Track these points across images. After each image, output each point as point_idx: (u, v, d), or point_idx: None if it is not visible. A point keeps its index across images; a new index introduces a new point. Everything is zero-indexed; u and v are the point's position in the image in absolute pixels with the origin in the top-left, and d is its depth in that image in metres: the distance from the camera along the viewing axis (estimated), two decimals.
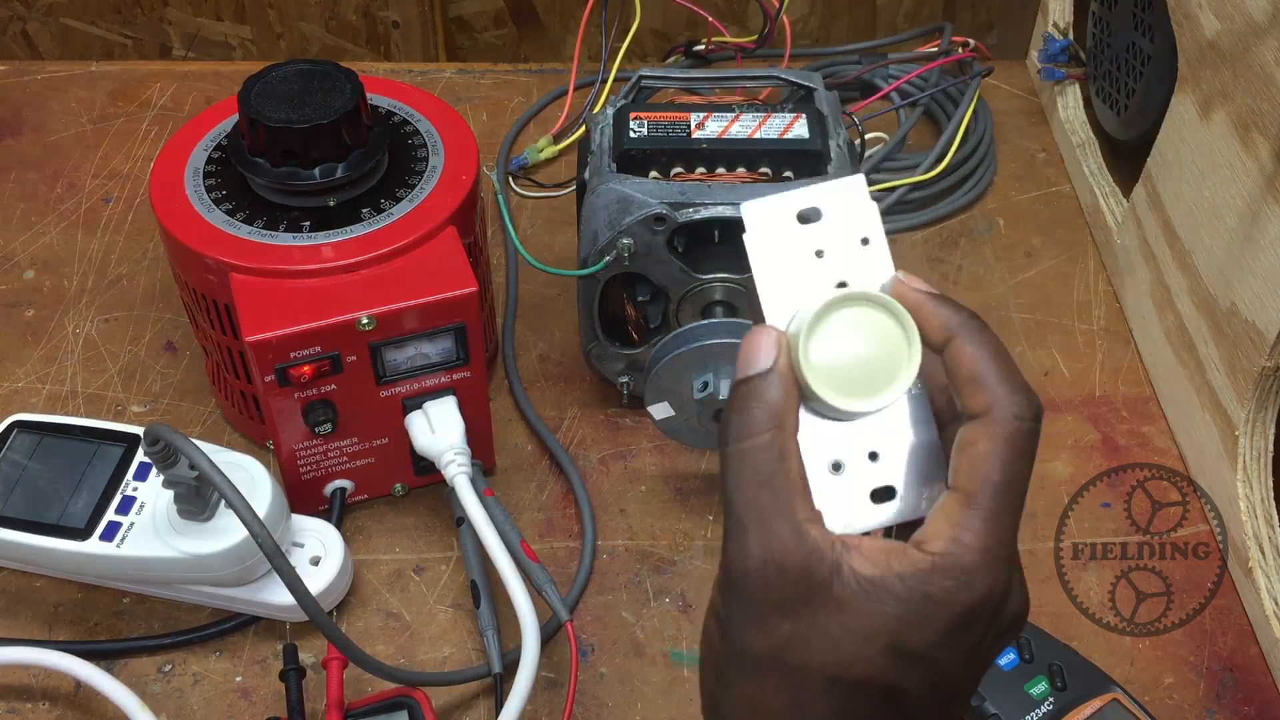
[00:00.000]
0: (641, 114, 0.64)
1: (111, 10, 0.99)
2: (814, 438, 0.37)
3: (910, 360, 0.36)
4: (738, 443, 0.35)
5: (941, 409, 0.38)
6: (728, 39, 0.89)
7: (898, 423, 0.37)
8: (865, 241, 0.37)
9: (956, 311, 0.36)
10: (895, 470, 0.37)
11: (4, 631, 0.60)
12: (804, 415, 0.37)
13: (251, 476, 0.57)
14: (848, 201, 0.37)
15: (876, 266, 0.38)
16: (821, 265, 0.37)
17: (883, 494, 0.37)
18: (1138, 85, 0.76)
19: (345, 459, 0.62)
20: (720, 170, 0.62)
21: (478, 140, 0.66)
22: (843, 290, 0.36)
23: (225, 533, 0.56)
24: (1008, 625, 0.36)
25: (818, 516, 0.35)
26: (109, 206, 0.82)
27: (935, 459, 0.37)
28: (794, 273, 0.37)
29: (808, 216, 0.37)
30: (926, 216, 0.82)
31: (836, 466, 0.37)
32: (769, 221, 0.37)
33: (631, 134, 0.63)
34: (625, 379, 0.68)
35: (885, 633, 0.34)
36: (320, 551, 0.60)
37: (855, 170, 0.63)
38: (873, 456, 0.37)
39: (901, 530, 0.37)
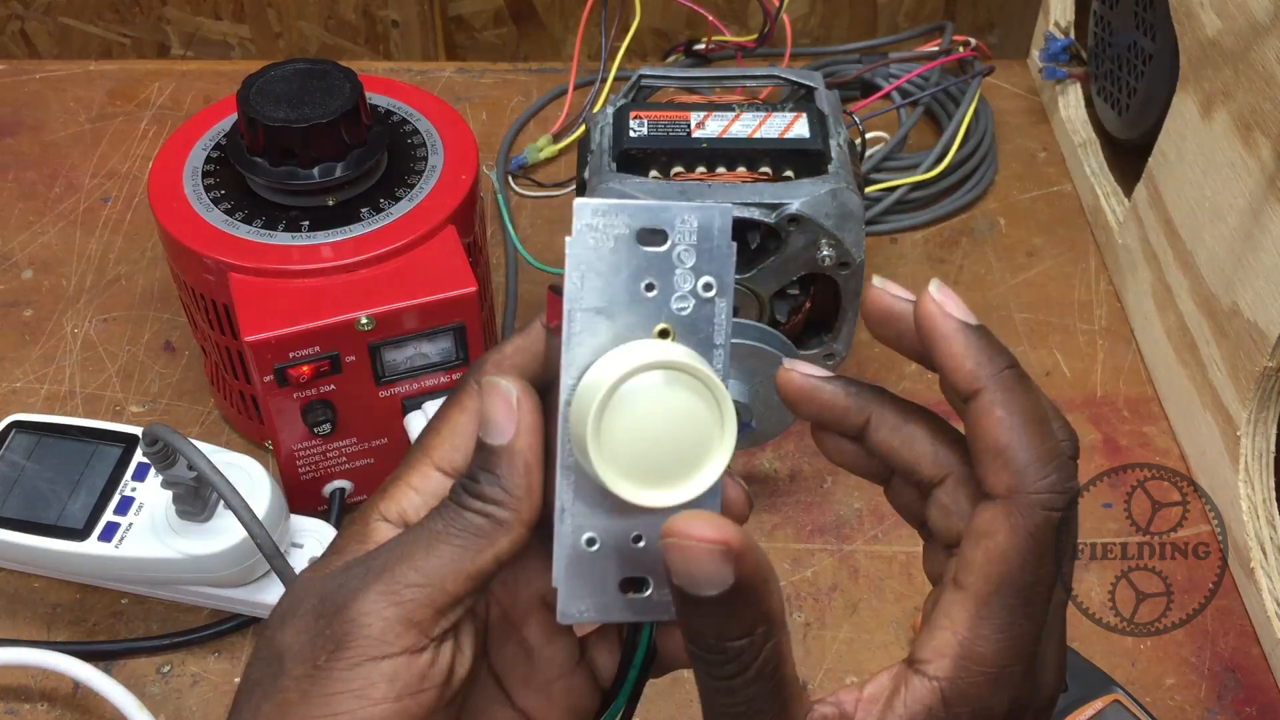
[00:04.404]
0: (641, 113, 0.64)
1: (110, 9, 0.99)
2: (578, 506, 0.31)
3: (721, 448, 0.30)
4: (714, 664, 0.29)
5: (924, 463, 0.33)
6: (728, 38, 0.89)
7: (676, 508, 0.31)
8: (708, 288, 0.31)
9: (992, 356, 0.30)
10: (655, 562, 0.32)
11: (2, 632, 0.60)
12: (568, 477, 0.31)
13: (250, 477, 0.57)
14: (703, 234, 0.31)
15: (713, 322, 0.31)
16: (647, 303, 0.31)
17: (633, 584, 0.33)
18: (1139, 84, 0.76)
19: (344, 459, 0.62)
20: (720, 170, 0.62)
21: (477, 140, 0.66)
22: (655, 349, 0.30)
23: (224, 533, 0.56)
24: (1043, 708, 0.32)
25: (807, 708, 0.30)
26: (107, 206, 0.82)
27: None
28: (613, 302, 0.31)
29: (649, 239, 0.31)
30: (927, 216, 0.82)
31: (591, 542, 0.32)
32: (601, 229, 0.30)
33: (631, 133, 0.62)
34: None
35: None
36: (319, 552, 0.60)
37: (854, 170, 0.63)
38: (635, 539, 0.32)
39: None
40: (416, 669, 0.30)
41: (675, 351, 0.30)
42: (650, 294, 0.31)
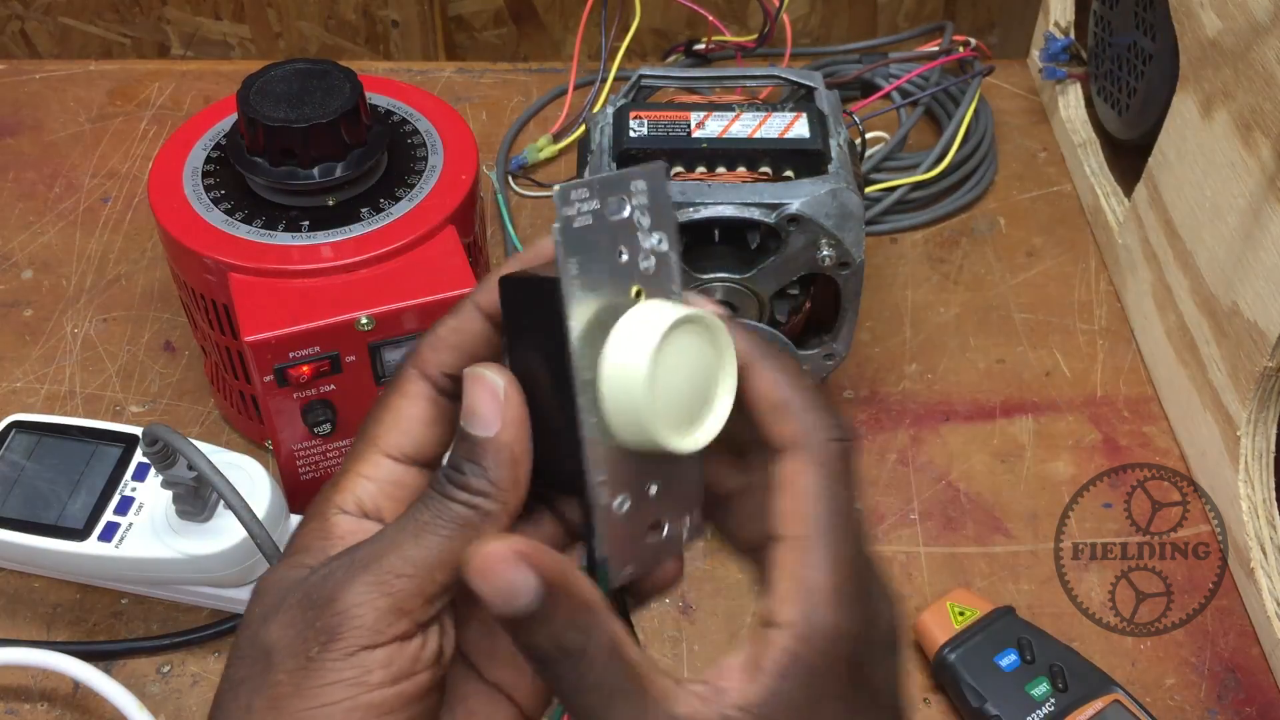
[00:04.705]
0: (641, 113, 0.64)
1: (110, 9, 0.99)
2: (610, 475, 0.32)
3: (728, 379, 0.32)
4: (557, 667, 0.30)
5: (725, 477, 0.34)
6: (728, 38, 0.89)
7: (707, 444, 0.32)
8: (662, 242, 0.32)
9: (749, 334, 0.33)
10: (664, 503, 0.33)
11: (2, 632, 0.60)
12: (595, 450, 0.31)
13: (250, 477, 0.57)
14: (651, 193, 0.32)
15: (670, 272, 0.32)
16: (622, 269, 0.32)
17: (652, 530, 0.33)
18: (1139, 84, 0.76)
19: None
20: (720, 170, 0.62)
21: (477, 139, 0.66)
22: (664, 309, 0.31)
23: (224, 533, 0.56)
24: (891, 642, 0.33)
25: (674, 687, 0.31)
26: (107, 206, 0.82)
27: (694, 483, 0.34)
28: (599, 276, 0.31)
29: (614, 209, 0.32)
30: (927, 216, 0.82)
31: (621, 504, 0.32)
32: (582, 210, 0.31)
33: (631, 133, 0.62)
34: None
35: None
36: None
37: (855, 170, 0.63)
38: (649, 488, 0.33)
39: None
40: (409, 652, 0.31)
41: (676, 306, 0.32)
42: (623, 260, 0.32)
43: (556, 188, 0.30)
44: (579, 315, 0.31)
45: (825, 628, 0.30)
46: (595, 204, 0.31)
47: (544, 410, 0.32)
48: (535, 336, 0.32)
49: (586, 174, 0.64)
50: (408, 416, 0.34)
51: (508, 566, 0.29)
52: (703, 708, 0.30)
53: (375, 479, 0.33)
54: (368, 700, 0.30)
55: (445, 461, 0.33)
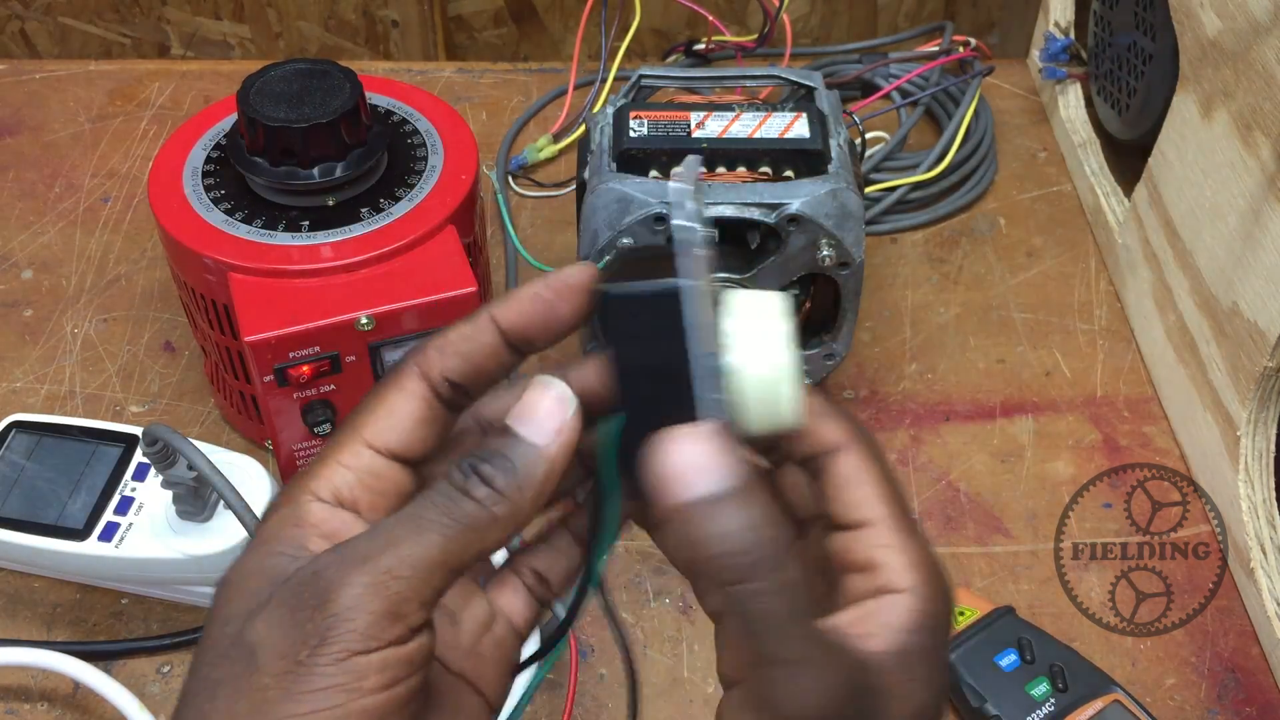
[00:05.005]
0: (641, 113, 0.64)
1: (110, 9, 0.99)
2: None
3: (792, 347, 0.33)
4: (747, 557, 0.30)
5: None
6: (728, 38, 0.89)
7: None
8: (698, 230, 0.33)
9: None
10: None
11: (2, 632, 0.60)
12: None
13: (250, 476, 0.57)
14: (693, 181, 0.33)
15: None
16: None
17: None
18: (1139, 84, 0.76)
19: None
20: (721, 170, 0.62)
21: (477, 139, 0.66)
22: (761, 295, 0.33)
23: (224, 533, 0.56)
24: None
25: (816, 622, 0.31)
26: (107, 206, 0.82)
27: None
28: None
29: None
30: (927, 216, 0.82)
31: None
32: (691, 200, 0.31)
33: (631, 133, 0.62)
34: None
35: (925, 686, 0.32)
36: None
37: (855, 170, 0.63)
38: None
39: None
40: (404, 655, 0.30)
41: (769, 294, 0.33)
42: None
43: (678, 185, 0.31)
44: (701, 321, 0.31)
45: (939, 590, 0.33)
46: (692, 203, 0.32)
47: (648, 415, 0.32)
48: (647, 342, 0.31)
49: (586, 174, 0.64)
50: (400, 412, 0.33)
51: (704, 441, 0.31)
52: (858, 647, 0.31)
53: (354, 468, 0.32)
54: (361, 706, 0.29)
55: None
